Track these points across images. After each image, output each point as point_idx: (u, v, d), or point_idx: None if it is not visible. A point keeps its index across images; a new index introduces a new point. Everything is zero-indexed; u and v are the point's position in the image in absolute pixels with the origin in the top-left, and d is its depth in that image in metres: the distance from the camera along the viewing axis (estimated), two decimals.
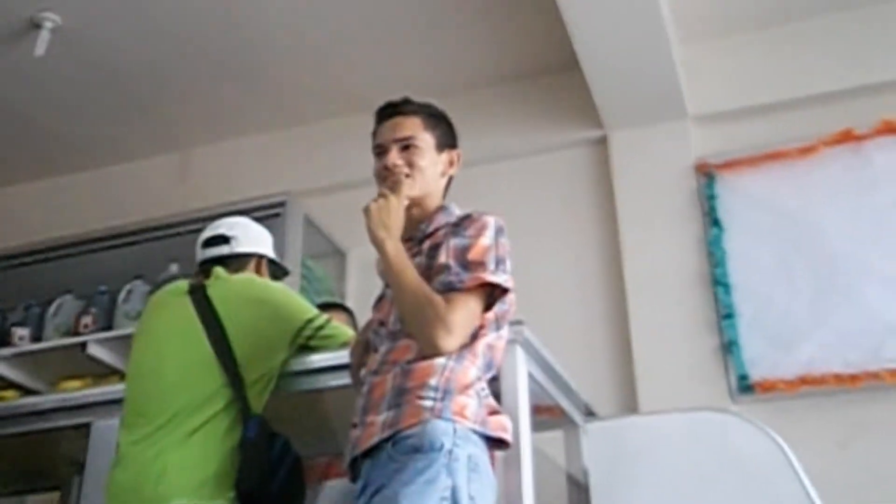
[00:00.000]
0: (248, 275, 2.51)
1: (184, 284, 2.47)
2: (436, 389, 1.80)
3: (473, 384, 1.87)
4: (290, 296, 2.47)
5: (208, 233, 2.58)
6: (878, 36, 3.72)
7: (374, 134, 2.16)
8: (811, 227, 3.51)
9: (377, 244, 1.95)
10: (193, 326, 2.31)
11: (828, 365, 3.27)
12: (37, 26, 3.77)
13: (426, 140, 2.11)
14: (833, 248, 3.45)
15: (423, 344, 1.85)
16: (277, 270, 2.66)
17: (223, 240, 2.54)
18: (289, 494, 2.17)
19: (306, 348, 2.36)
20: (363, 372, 2.01)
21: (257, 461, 2.12)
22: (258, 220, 3.74)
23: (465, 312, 1.87)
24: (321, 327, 2.37)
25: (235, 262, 2.52)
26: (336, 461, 2.01)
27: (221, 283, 2.41)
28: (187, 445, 2.15)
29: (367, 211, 1.98)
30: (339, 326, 2.44)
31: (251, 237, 2.60)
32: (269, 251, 2.63)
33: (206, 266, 2.49)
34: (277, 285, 2.51)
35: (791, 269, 3.47)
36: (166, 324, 2.39)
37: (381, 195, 2.00)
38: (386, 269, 1.94)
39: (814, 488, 2.40)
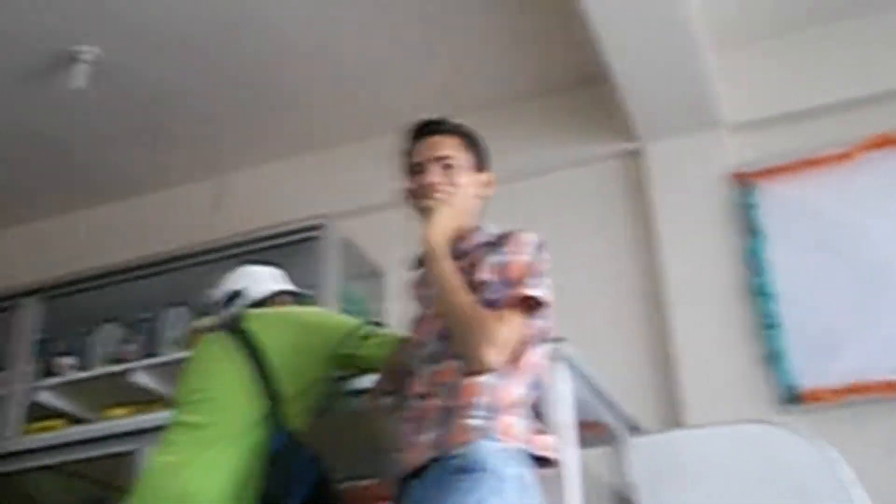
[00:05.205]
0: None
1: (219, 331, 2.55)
2: (483, 409, 1.80)
3: (519, 403, 1.87)
4: (327, 312, 2.49)
5: (220, 293, 2.63)
6: None
7: (409, 151, 2.16)
8: (852, 232, 3.46)
9: (433, 251, 1.96)
10: (234, 352, 2.36)
11: (875, 373, 3.22)
12: (74, 59, 3.83)
13: (464, 160, 2.12)
14: (876, 254, 3.40)
15: (468, 358, 1.85)
16: (300, 298, 2.70)
17: (235, 295, 2.60)
18: None
19: (357, 362, 2.36)
20: (408, 395, 2.00)
21: (280, 475, 2.14)
22: (295, 244, 3.85)
23: (509, 328, 1.87)
24: (366, 336, 2.36)
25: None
26: (388, 483, 2.02)
27: (255, 316, 2.49)
28: (222, 457, 2.18)
29: (433, 213, 1.99)
30: (386, 333, 2.41)
31: (259, 280, 2.65)
32: (282, 285, 2.67)
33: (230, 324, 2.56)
34: (311, 307, 2.55)
35: (833, 276, 3.42)
36: (211, 356, 2.45)
37: (440, 204, 2.02)
38: (436, 279, 1.94)
39: (864, 499, 2.36)
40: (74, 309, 4.31)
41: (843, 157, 3.57)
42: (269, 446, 2.18)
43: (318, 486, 2.19)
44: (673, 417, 3.38)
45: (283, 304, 2.63)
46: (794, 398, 3.29)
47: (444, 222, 2.00)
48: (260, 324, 2.43)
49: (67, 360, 4.19)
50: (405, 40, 3.93)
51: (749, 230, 3.59)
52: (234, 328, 2.46)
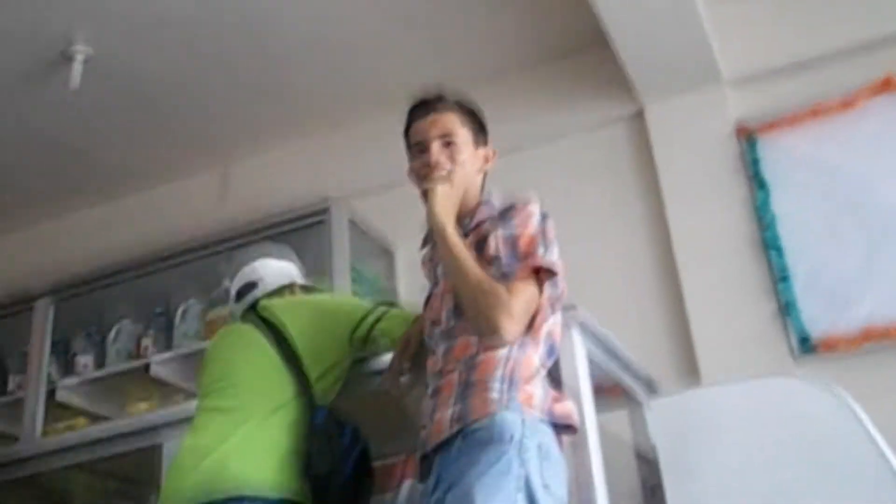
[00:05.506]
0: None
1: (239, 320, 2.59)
2: (501, 380, 1.81)
3: (537, 372, 1.89)
4: (341, 296, 2.52)
5: (237, 285, 2.67)
6: None
7: (409, 130, 2.16)
8: (857, 180, 3.45)
9: (439, 228, 1.96)
10: (258, 338, 2.40)
11: (888, 318, 3.22)
12: (69, 59, 3.83)
13: (464, 135, 2.12)
14: (882, 200, 3.38)
15: (485, 331, 1.86)
16: (312, 290, 2.75)
17: (252, 286, 2.63)
18: (360, 479, 2.22)
19: (374, 343, 2.39)
20: (427, 374, 2.02)
21: (328, 446, 2.18)
22: (303, 227, 3.86)
23: (523, 299, 1.88)
24: (379, 318, 2.39)
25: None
26: (413, 458, 2.05)
27: (273, 304, 2.52)
28: (256, 433, 2.21)
29: (432, 192, 2.00)
30: (400, 312, 2.44)
31: (275, 272, 2.69)
32: (296, 278, 2.72)
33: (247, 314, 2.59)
34: (324, 294, 2.58)
35: (841, 224, 3.42)
36: (233, 343, 2.49)
37: (442, 182, 2.02)
38: (446, 256, 1.95)
39: (886, 443, 2.37)
40: (89, 307, 4.34)
41: (846, 104, 3.55)
42: (311, 421, 2.22)
43: (361, 460, 2.23)
44: (690, 375, 3.39)
45: (295, 294, 2.67)
46: (809, 349, 3.30)
47: (447, 200, 2.00)
48: (279, 311, 2.47)
49: (85, 359, 4.22)
50: (403, 14, 3.89)
51: (755, 184, 3.58)
52: (255, 316, 2.49)
